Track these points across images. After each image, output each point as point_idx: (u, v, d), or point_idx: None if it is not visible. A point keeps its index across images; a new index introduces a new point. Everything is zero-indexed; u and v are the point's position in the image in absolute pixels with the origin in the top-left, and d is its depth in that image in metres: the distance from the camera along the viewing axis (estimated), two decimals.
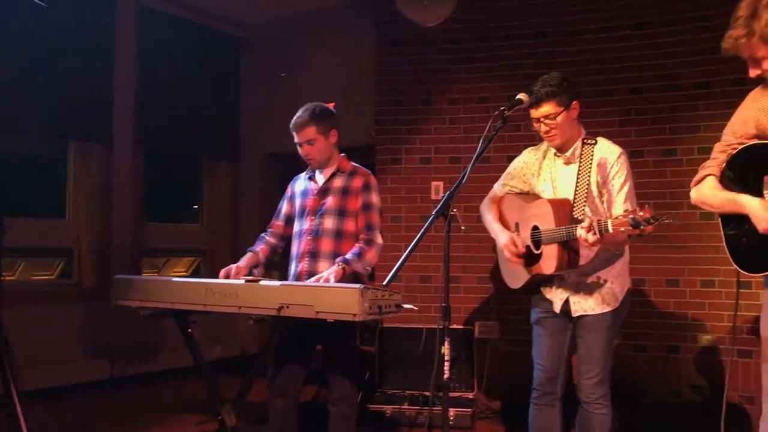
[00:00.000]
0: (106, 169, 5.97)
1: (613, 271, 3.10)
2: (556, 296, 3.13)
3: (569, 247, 2.91)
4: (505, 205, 3.36)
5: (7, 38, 3.01)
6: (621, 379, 4.90)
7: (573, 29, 5.23)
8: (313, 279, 3.16)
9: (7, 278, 5.29)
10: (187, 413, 4.79)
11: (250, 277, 3.09)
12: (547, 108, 2.98)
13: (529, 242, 3.10)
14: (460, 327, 4.97)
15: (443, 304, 2.55)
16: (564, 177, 3.10)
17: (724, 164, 2.58)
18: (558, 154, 3.13)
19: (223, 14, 6.79)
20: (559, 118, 2.99)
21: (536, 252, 3.05)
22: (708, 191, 2.60)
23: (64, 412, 4.55)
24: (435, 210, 2.66)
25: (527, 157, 3.29)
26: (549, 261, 2.97)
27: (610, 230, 2.61)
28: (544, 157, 3.21)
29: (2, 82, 3.00)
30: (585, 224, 2.69)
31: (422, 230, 2.65)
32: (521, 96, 2.89)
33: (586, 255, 2.99)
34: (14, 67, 3.06)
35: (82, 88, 5.58)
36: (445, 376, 2.55)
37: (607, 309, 3.07)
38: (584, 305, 3.08)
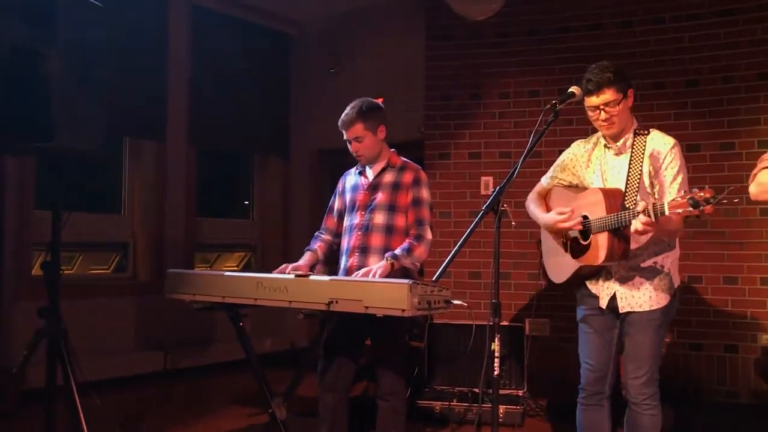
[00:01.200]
0: (160, 165, 6.09)
1: (664, 265, 2.99)
2: (603, 291, 3.03)
3: (620, 235, 2.81)
4: (552, 197, 3.28)
5: (66, 38, 3.08)
6: (676, 378, 4.82)
7: (625, 20, 5.13)
8: (360, 273, 3.16)
9: (66, 272, 5.44)
10: (238, 405, 4.86)
11: (301, 272, 3.11)
12: (608, 95, 2.88)
13: (576, 233, 3.02)
14: (510, 324, 4.92)
15: (493, 301, 2.53)
16: (614, 168, 3.01)
17: None
18: (609, 145, 3.04)
19: (273, 12, 6.85)
20: (619, 105, 2.91)
21: (584, 243, 2.96)
22: (763, 176, 2.50)
23: (120, 403, 4.66)
24: (485, 205, 2.63)
25: (577, 149, 3.20)
26: (598, 251, 2.87)
27: (667, 212, 2.49)
28: (593, 149, 3.12)
29: (63, 80, 3.06)
30: (639, 207, 2.59)
31: (472, 226, 2.63)
32: (573, 89, 2.84)
33: (636, 247, 2.90)
34: (72, 66, 3.12)
35: (137, 86, 5.71)
36: (495, 372, 2.53)
37: (656, 306, 2.95)
38: (632, 301, 2.96)
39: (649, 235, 2.68)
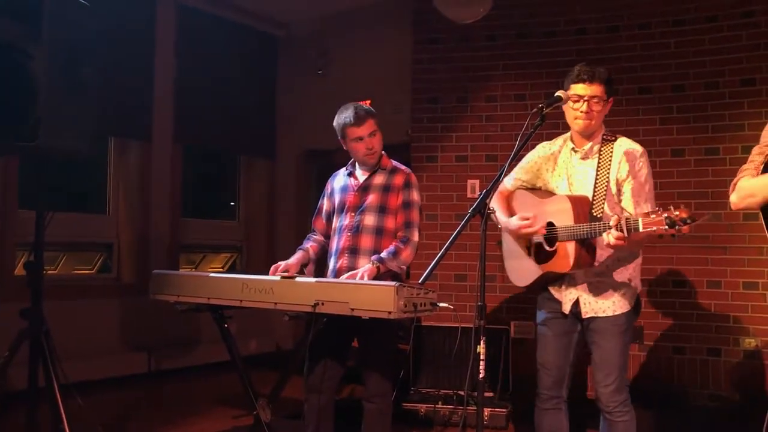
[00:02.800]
0: (146, 165, 6.06)
1: (627, 271, 2.99)
2: (566, 296, 3.01)
3: (587, 245, 2.82)
4: (517, 201, 3.23)
5: (52, 37, 3.05)
6: (659, 381, 4.85)
7: (612, 25, 5.16)
8: (346, 275, 3.17)
9: (49, 272, 5.40)
10: (222, 407, 4.84)
11: (286, 274, 3.10)
12: (598, 89, 2.88)
13: (541, 239, 3.00)
14: (496, 326, 4.93)
15: (479, 303, 2.53)
16: (580, 173, 3.00)
17: (762, 166, 2.51)
18: (576, 149, 3.02)
19: (261, 12, 6.83)
20: (602, 105, 2.91)
21: (550, 249, 2.95)
22: (747, 181, 2.51)
23: (103, 404, 4.62)
24: (471, 208, 2.64)
25: (542, 151, 3.17)
26: (564, 259, 2.86)
27: (641, 229, 2.48)
28: (560, 152, 3.10)
29: (48, 79, 3.04)
30: (612, 222, 2.58)
31: (458, 228, 2.63)
32: (560, 93, 2.85)
33: (600, 254, 2.90)
34: (58, 65, 3.10)
35: (123, 86, 5.67)
36: (481, 375, 2.53)
37: (620, 311, 2.95)
38: (596, 306, 2.96)
39: (621, 245, 2.65)
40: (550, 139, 3.22)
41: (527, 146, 2.92)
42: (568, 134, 3.09)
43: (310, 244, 3.56)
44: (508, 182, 3.27)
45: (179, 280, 3.34)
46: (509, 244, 3.21)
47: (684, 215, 2.38)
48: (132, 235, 6.03)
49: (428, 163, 5.58)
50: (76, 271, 5.92)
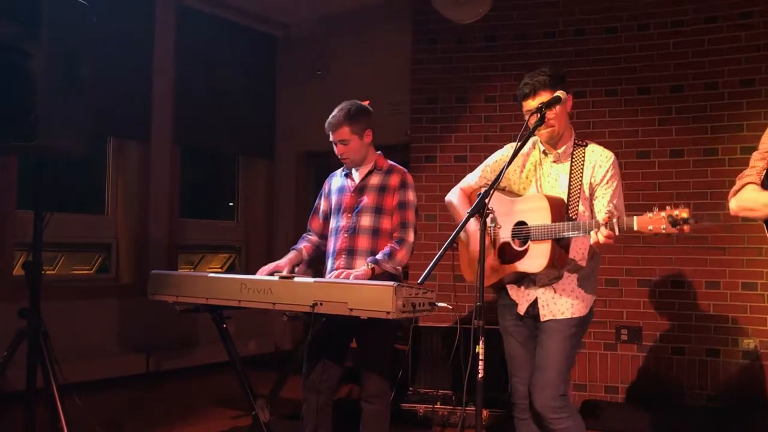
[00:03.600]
0: (144, 165, 6.05)
1: (585, 276, 2.94)
2: (523, 297, 2.97)
3: (563, 245, 2.78)
4: None
5: (50, 36, 3.05)
6: (658, 381, 4.85)
7: (611, 26, 5.16)
8: (336, 272, 3.18)
9: (48, 272, 5.39)
10: (221, 408, 4.84)
11: (285, 274, 3.10)
12: (544, 97, 2.83)
13: (508, 237, 2.93)
14: (495, 326, 4.92)
15: (478, 303, 2.52)
16: (551, 176, 2.96)
17: (764, 171, 2.50)
18: (547, 152, 2.98)
19: (260, 13, 6.83)
20: (557, 108, 2.84)
21: (520, 249, 2.89)
22: (749, 194, 2.50)
23: (101, 405, 4.62)
24: (470, 209, 2.64)
25: (510, 152, 3.04)
26: (536, 259, 2.79)
27: (635, 228, 2.45)
28: (529, 154, 3.05)
29: (47, 79, 3.04)
30: (602, 219, 2.53)
31: (457, 229, 2.64)
32: (559, 94, 2.84)
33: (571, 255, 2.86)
34: (56, 65, 3.10)
35: (122, 86, 5.67)
36: (479, 375, 2.53)
37: (577, 314, 2.90)
38: (554, 308, 2.90)
39: (606, 242, 2.57)
40: None
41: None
42: (537, 137, 3.02)
43: (303, 245, 3.56)
44: (472, 179, 3.23)
45: (178, 280, 3.33)
46: (471, 242, 3.12)
47: (685, 215, 2.35)
48: (131, 235, 6.02)
49: (427, 163, 5.58)
50: (74, 272, 5.91)
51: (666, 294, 4.92)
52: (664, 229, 2.39)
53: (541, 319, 2.92)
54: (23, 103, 2.97)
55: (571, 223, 2.72)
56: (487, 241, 2.91)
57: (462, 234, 3.12)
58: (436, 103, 5.60)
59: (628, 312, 4.97)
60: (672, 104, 4.98)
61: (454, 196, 3.26)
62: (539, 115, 2.78)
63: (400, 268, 3.29)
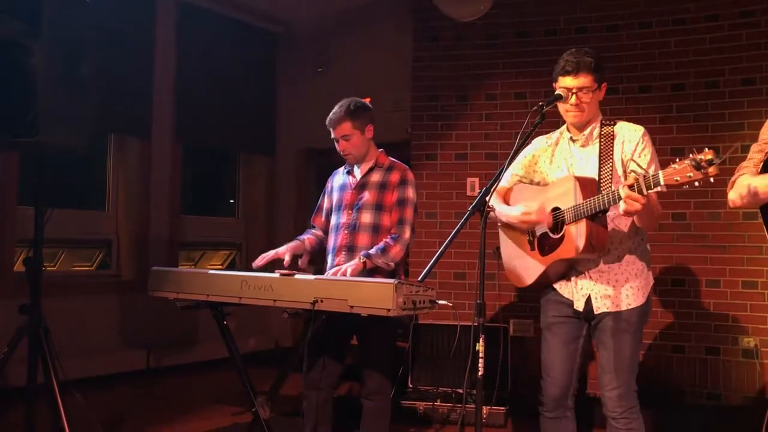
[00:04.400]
0: (145, 162, 6.05)
1: (637, 263, 2.83)
2: (577, 292, 2.85)
3: (599, 222, 2.66)
4: (514, 194, 3.09)
5: (51, 33, 3.05)
6: (658, 379, 4.85)
7: (612, 24, 5.15)
8: (331, 271, 3.17)
9: (48, 269, 5.39)
10: (221, 404, 4.84)
11: (285, 271, 3.11)
12: (585, 79, 2.79)
13: (545, 228, 2.85)
14: (495, 324, 4.93)
15: (478, 301, 2.52)
16: (581, 160, 2.88)
17: (761, 164, 2.50)
18: (574, 137, 2.92)
19: (261, 10, 6.83)
20: (592, 94, 2.81)
21: (556, 236, 2.79)
22: (746, 180, 2.49)
23: (102, 401, 4.63)
24: (471, 206, 2.63)
25: (539, 144, 3.07)
26: (573, 242, 2.69)
27: (662, 182, 2.30)
28: (557, 144, 3.00)
29: (48, 76, 3.04)
30: (629, 180, 2.41)
31: (458, 226, 2.63)
32: (560, 91, 2.84)
33: (612, 238, 2.77)
34: (57, 62, 3.10)
35: (123, 83, 5.66)
36: (479, 373, 2.53)
37: (633, 305, 2.79)
38: (607, 301, 2.79)
39: (637, 212, 2.45)
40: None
41: (526, 144, 2.92)
42: (564, 126, 3.00)
43: (307, 236, 3.58)
44: (504, 180, 3.15)
45: (178, 277, 3.34)
46: (508, 247, 3.09)
47: (710, 156, 2.19)
48: (131, 232, 6.02)
49: (428, 161, 5.58)
50: (75, 268, 5.92)
51: (666, 292, 4.92)
52: (690, 176, 2.23)
53: (595, 312, 2.81)
54: (24, 100, 2.97)
55: (595, 198, 2.63)
56: (525, 239, 2.95)
57: (503, 233, 3.10)
58: (437, 101, 5.59)
59: None
60: (673, 103, 4.98)
61: (492, 200, 3.07)
62: (540, 114, 2.76)
63: (392, 264, 3.28)
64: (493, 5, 5.12)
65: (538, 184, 3.04)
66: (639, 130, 2.85)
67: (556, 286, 2.95)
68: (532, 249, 2.95)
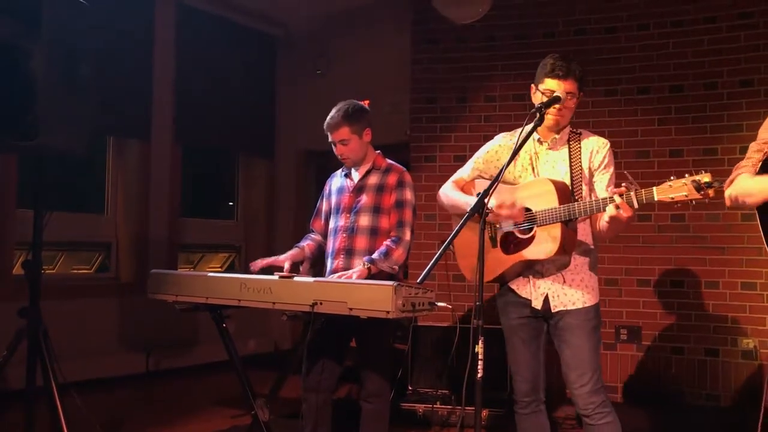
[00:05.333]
0: (144, 165, 6.05)
1: (588, 264, 2.89)
2: (535, 291, 2.88)
3: (572, 227, 2.72)
4: (477, 189, 3.07)
5: (50, 35, 3.05)
6: (657, 381, 4.85)
7: (610, 26, 5.17)
8: (336, 275, 3.17)
9: (47, 272, 5.39)
10: (221, 407, 4.84)
11: (284, 273, 3.10)
12: (572, 85, 2.82)
13: (512, 227, 2.84)
14: (494, 326, 4.92)
15: (477, 303, 2.52)
16: (548, 163, 2.91)
17: (760, 164, 2.51)
18: (542, 139, 2.92)
19: (260, 12, 6.83)
20: (575, 101, 2.85)
21: (525, 236, 2.79)
22: (744, 181, 2.50)
23: (101, 404, 4.62)
24: (470, 208, 2.63)
25: (503, 141, 3.06)
26: (545, 244, 2.70)
27: (656, 198, 2.39)
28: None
29: (47, 78, 3.04)
30: (619, 190, 2.46)
31: (456, 228, 2.62)
32: (558, 94, 2.84)
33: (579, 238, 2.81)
34: (57, 64, 3.10)
35: (122, 85, 5.67)
36: (479, 375, 2.53)
37: (589, 303, 2.85)
38: (564, 299, 2.84)
39: (622, 221, 2.53)
40: None
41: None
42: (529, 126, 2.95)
43: (306, 243, 3.57)
44: (464, 172, 3.15)
45: (177, 279, 3.33)
46: (464, 241, 3.01)
47: (708, 179, 2.29)
48: (130, 234, 6.02)
49: (427, 162, 5.58)
50: (74, 271, 5.91)
51: (665, 294, 4.92)
52: (686, 195, 2.32)
53: (553, 310, 2.86)
54: (23, 102, 2.97)
55: (582, 201, 2.68)
56: (486, 234, 2.87)
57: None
58: (436, 103, 5.60)
59: (627, 312, 4.98)
60: (671, 104, 4.99)
61: (447, 189, 3.14)
62: (539, 115, 2.77)
63: (396, 267, 3.28)
64: (492, 7, 5.13)
65: (505, 182, 2.98)
66: (606, 144, 2.91)
67: (513, 286, 2.97)
68: (494, 246, 2.93)
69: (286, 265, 3.35)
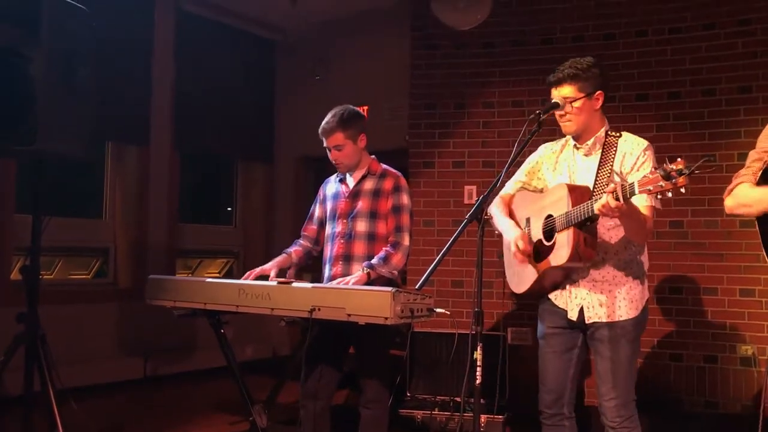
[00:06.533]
0: (143, 170, 6.05)
1: (632, 275, 2.83)
2: (571, 302, 2.85)
3: (588, 231, 2.67)
4: (516, 201, 3.10)
5: (50, 41, 3.06)
6: (655, 388, 4.84)
7: (609, 33, 5.17)
8: (336, 282, 3.17)
9: (45, 277, 5.38)
10: (219, 413, 4.83)
11: (283, 279, 3.10)
12: (567, 90, 2.82)
13: (540, 235, 2.84)
14: (493, 333, 4.93)
15: (476, 309, 2.52)
16: (583, 169, 2.89)
17: (760, 172, 2.51)
18: (578, 146, 2.92)
19: (259, 18, 6.84)
20: (577, 104, 2.81)
21: (548, 243, 2.78)
22: (744, 191, 2.50)
23: (99, 410, 4.61)
24: (468, 214, 2.63)
25: (544, 151, 3.08)
26: (561, 250, 2.69)
27: (637, 191, 2.34)
28: (562, 151, 3.00)
29: (46, 83, 3.04)
30: (609, 188, 2.44)
31: (455, 235, 2.63)
32: (557, 99, 2.85)
33: (602, 245, 2.77)
34: (56, 69, 3.10)
35: (121, 90, 5.67)
36: (477, 381, 2.52)
37: (626, 316, 2.79)
38: (600, 311, 2.79)
39: (614, 216, 2.51)
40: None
41: (524, 152, 2.92)
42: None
43: (293, 249, 3.57)
44: (510, 187, 3.15)
45: (176, 285, 3.34)
46: (508, 253, 3.05)
47: (680, 166, 2.23)
48: (129, 240, 6.01)
49: (425, 168, 5.58)
50: (72, 276, 5.90)
51: (664, 300, 4.92)
52: (662, 186, 2.26)
53: (587, 321, 2.81)
54: (22, 107, 2.97)
55: (580, 204, 2.63)
56: (526, 244, 2.87)
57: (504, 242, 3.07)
58: (435, 109, 5.60)
59: None
60: (670, 110, 4.99)
61: (493, 207, 3.12)
62: (537, 122, 2.77)
63: (395, 272, 3.28)
64: (491, 14, 5.14)
65: (540, 191, 3.03)
66: (642, 144, 2.84)
67: (551, 295, 2.94)
68: (528, 256, 2.93)
69: (272, 273, 3.34)
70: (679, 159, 2.25)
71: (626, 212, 2.49)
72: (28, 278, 3.25)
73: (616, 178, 2.47)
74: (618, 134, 2.89)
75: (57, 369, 3.19)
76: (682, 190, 2.25)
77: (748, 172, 2.54)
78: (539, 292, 2.97)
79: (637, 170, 2.75)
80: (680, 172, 2.22)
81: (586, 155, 2.91)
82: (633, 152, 2.81)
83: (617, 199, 2.41)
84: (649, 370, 4.89)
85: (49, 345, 3.21)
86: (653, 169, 2.31)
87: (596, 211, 2.51)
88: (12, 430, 3.45)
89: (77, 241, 5.79)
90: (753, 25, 4.77)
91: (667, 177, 2.24)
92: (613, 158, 2.82)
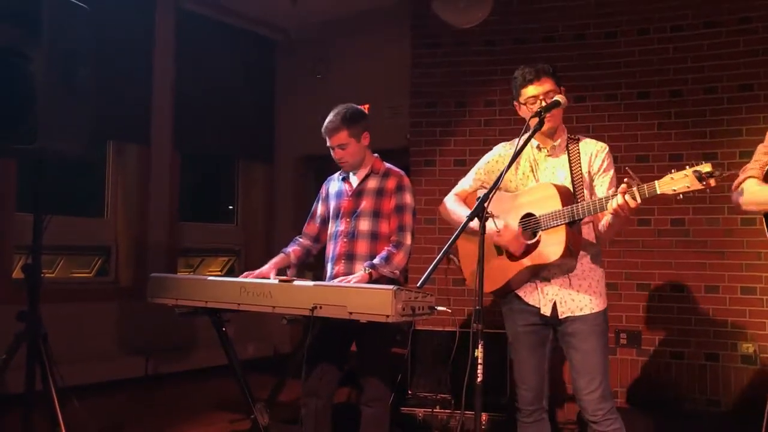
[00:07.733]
0: (144, 169, 6.05)
1: (597, 269, 2.90)
2: (543, 298, 2.89)
3: (576, 229, 2.74)
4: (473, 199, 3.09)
5: (50, 40, 3.06)
6: (657, 386, 4.84)
7: (611, 31, 5.17)
8: (337, 280, 3.17)
9: (47, 275, 5.38)
10: (220, 411, 4.83)
11: (284, 277, 3.10)
12: (547, 85, 2.87)
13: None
14: (494, 330, 4.91)
15: (477, 307, 2.52)
16: (548, 169, 2.93)
17: (767, 167, 2.51)
18: (541, 146, 2.95)
19: (259, 17, 6.84)
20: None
21: (530, 242, 2.81)
22: (755, 188, 2.50)
23: (100, 408, 4.61)
24: (469, 212, 2.63)
25: (502, 151, 3.10)
26: (550, 247, 2.73)
27: (658, 191, 2.44)
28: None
29: (47, 82, 3.04)
30: (621, 188, 2.50)
31: (456, 232, 2.62)
32: (558, 98, 2.84)
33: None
34: (56, 68, 3.10)
35: (122, 89, 5.67)
36: (479, 379, 2.52)
37: (596, 310, 2.85)
38: (572, 305, 2.84)
39: (627, 214, 2.57)
40: None
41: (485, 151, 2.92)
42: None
43: (292, 248, 3.57)
44: (466, 183, 3.19)
45: (177, 283, 3.34)
46: (469, 251, 3.04)
47: (709, 168, 2.33)
48: (130, 238, 6.02)
49: (427, 167, 5.58)
50: (73, 275, 5.90)
51: (665, 298, 4.92)
52: (689, 186, 2.37)
53: (560, 317, 2.86)
54: (23, 106, 2.97)
55: (586, 201, 2.71)
56: (489, 243, 2.87)
57: (462, 238, 3.04)
58: (436, 107, 5.60)
59: (627, 316, 4.98)
60: (671, 109, 4.99)
61: (449, 202, 3.20)
62: (539, 119, 2.77)
63: (398, 271, 3.28)
64: (492, 12, 5.13)
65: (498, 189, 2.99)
66: (605, 147, 2.94)
67: (520, 293, 2.97)
68: (499, 254, 2.94)
69: (271, 276, 3.33)
70: (703, 161, 2.37)
71: (634, 212, 2.56)
72: (29, 277, 3.25)
73: (626, 180, 2.53)
74: (577, 138, 2.97)
75: (58, 367, 3.19)
76: (708, 190, 2.37)
77: (755, 165, 2.54)
78: (505, 290, 2.98)
79: (603, 171, 2.88)
80: (710, 174, 2.33)
81: (549, 156, 2.96)
82: (599, 154, 2.91)
83: (632, 197, 2.50)
84: (651, 368, 4.89)
85: (50, 343, 3.21)
86: (675, 170, 2.41)
87: (611, 210, 2.57)
88: (14, 428, 3.45)
89: (79, 240, 5.79)
90: (754, 23, 4.77)
91: (700, 179, 2.35)
92: (580, 159, 2.89)
